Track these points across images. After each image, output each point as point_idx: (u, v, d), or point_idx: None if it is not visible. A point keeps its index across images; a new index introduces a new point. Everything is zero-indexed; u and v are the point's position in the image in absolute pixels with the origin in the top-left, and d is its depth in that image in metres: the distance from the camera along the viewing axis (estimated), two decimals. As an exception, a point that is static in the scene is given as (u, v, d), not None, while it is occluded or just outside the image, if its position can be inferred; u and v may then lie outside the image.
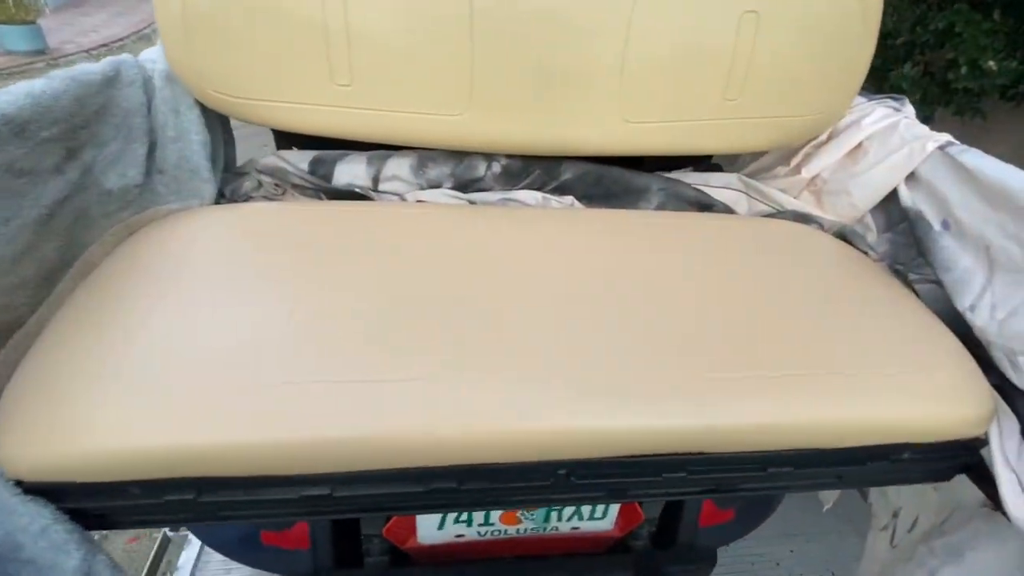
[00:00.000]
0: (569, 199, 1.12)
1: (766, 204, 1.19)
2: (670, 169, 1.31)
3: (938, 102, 2.36)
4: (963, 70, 2.15)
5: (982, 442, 0.81)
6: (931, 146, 0.98)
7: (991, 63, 2.09)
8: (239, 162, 1.11)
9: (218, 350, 0.69)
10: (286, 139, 1.14)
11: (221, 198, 1.05)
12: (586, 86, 0.97)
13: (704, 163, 1.42)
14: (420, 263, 0.87)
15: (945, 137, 0.98)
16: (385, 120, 0.95)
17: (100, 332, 0.71)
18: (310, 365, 0.69)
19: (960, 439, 0.79)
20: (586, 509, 0.97)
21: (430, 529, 0.96)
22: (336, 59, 0.89)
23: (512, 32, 0.92)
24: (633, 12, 0.93)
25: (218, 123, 1.01)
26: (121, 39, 6.10)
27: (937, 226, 0.97)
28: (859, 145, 1.08)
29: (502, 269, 0.88)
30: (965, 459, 0.83)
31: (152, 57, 0.93)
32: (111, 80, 0.85)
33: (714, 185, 1.20)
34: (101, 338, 0.70)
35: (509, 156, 1.07)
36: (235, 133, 1.11)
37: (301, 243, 0.88)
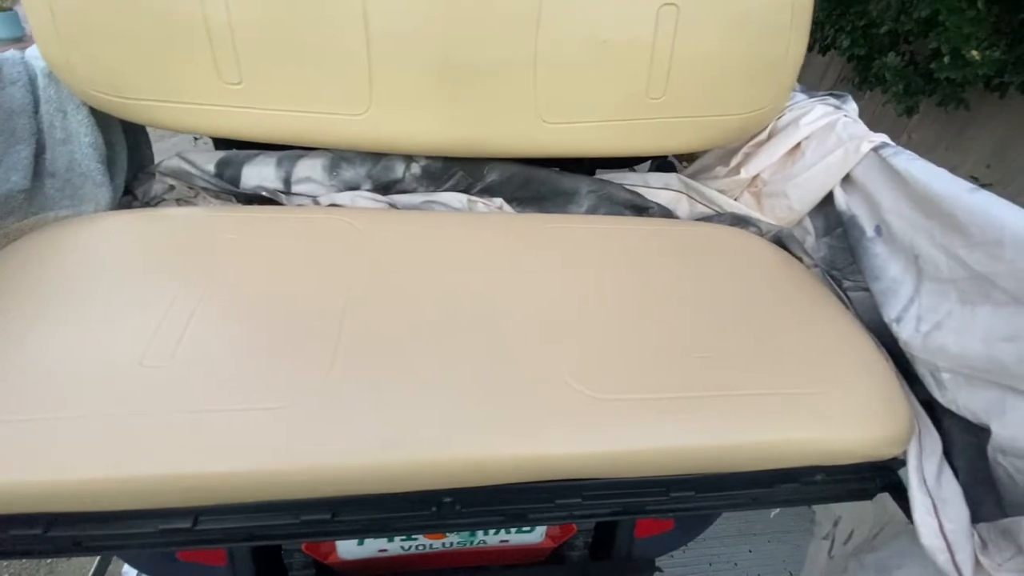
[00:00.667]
0: (498, 201, 1.08)
1: (706, 206, 1.14)
2: (620, 168, 1.27)
3: (922, 92, 2.29)
4: (945, 60, 2.08)
5: (900, 462, 0.77)
6: (865, 147, 0.93)
7: (974, 52, 2.02)
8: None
9: (79, 377, 0.66)
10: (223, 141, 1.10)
11: (134, 200, 1.02)
12: (497, 83, 0.92)
13: (660, 162, 1.38)
14: (306, 277, 0.83)
15: (881, 138, 0.93)
16: (283, 120, 0.91)
17: None
18: (175, 394, 0.66)
19: (876, 460, 0.76)
20: None
21: (350, 545, 0.93)
22: (222, 57, 0.84)
23: (410, 24, 0.87)
24: (542, 4, 0.87)
25: (118, 123, 0.97)
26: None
27: (870, 232, 0.92)
28: (797, 145, 1.03)
29: (400, 284, 0.84)
30: (886, 478, 0.79)
31: (36, 54, 0.88)
32: None
33: (653, 186, 1.16)
34: None
35: (429, 157, 1.03)
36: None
37: (188, 254, 0.84)
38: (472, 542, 0.98)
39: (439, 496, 0.68)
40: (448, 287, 0.84)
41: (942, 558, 0.69)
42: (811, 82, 3.04)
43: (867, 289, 0.93)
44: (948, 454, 0.78)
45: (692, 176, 1.19)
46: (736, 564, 1.64)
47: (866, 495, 0.81)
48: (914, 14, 2.21)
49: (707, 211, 1.14)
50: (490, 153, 1.00)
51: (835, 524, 1.07)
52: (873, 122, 3.07)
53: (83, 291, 0.76)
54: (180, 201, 1.02)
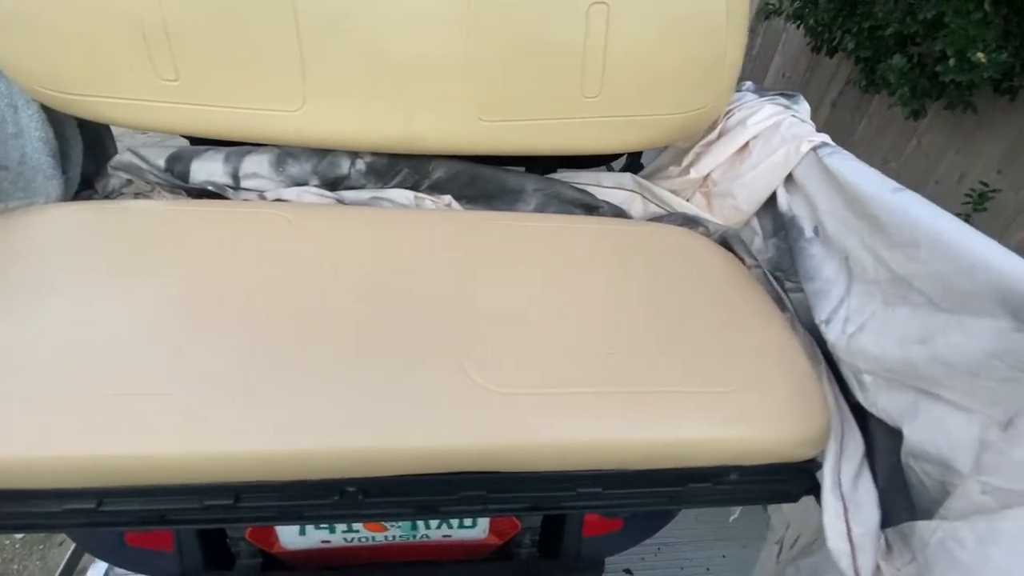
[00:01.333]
0: (447, 199, 1.09)
1: (658, 206, 1.13)
2: (584, 168, 1.26)
3: (928, 95, 2.22)
4: (951, 62, 2.01)
5: (818, 465, 0.75)
6: (805, 147, 0.91)
7: (980, 55, 1.95)
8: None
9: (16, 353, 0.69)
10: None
11: (94, 194, 1.07)
12: (429, 80, 0.94)
13: (632, 161, 1.37)
14: (231, 268, 0.85)
15: (821, 137, 0.91)
16: (220, 116, 0.93)
17: None
18: (84, 378, 0.68)
19: (792, 461, 0.74)
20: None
21: (291, 535, 0.95)
22: (157, 54, 0.87)
23: (340, 21, 0.89)
24: (470, 3, 0.88)
25: (73, 119, 1.01)
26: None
27: (809, 232, 0.90)
28: (745, 145, 1.02)
29: (321, 277, 0.85)
30: (809, 481, 0.77)
31: None
32: None
33: (606, 186, 1.15)
34: None
35: (375, 153, 1.05)
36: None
37: (122, 244, 0.87)
38: (415, 535, 0.99)
39: (341, 485, 0.69)
40: (370, 280, 0.85)
41: (844, 562, 0.67)
42: (820, 85, 2.97)
43: (806, 291, 0.91)
44: (871, 458, 0.75)
45: (648, 176, 1.18)
46: (708, 569, 1.61)
47: (789, 497, 0.80)
48: (920, 16, 2.14)
49: (660, 211, 1.13)
50: (429, 150, 1.01)
51: (786, 528, 1.05)
52: (883, 126, 2.96)
53: (17, 277, 0.79)
54: (138, 195, 1.07)
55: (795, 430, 0.73)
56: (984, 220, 2.09)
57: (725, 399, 0.74)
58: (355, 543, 1.00)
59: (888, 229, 0.73)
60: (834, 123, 2.87)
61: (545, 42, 0.92)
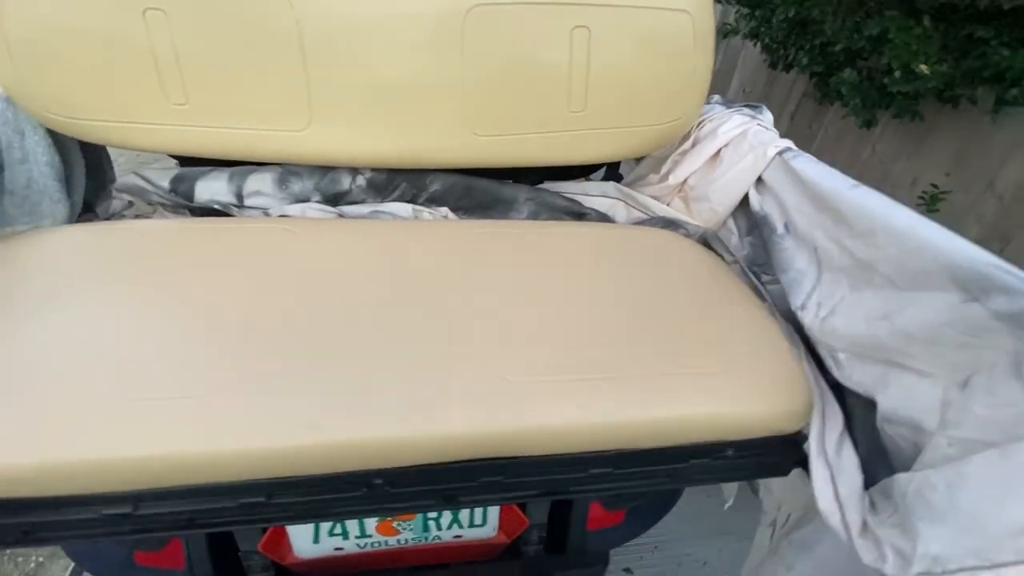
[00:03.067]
0: (444, 210, 1.15)
1: (641, 211, 1.21)
2: (566, 179, 1.34)
3: (878, 106, 2.38)
4: (896, 74, 2.17)
5: (804, 437, 0.81)
6: (771, 151, 1.00)
7: (923, 67, 2.11)
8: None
9: (28, 370, 0.70)
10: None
11: (95, 217, 1.09)
12: (427, 99, 1.00)
13: (611, 172, 1.46)
14: (247, 280, 0.88)
15: (785, 143, 1.00)
16: (227, 137, 0.98)
17: None
18: (113, 385, 0.70)
19: (781, 434, 0.80)
20: (464, 516, 0.98)
21: (305, 543, 0.96)
22: (168, 80, 0.92)
23: (342, 47, 0.95)
24: (464, 26, 0.95)
25: (75, 143, 1.04)
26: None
27: (780, 229, 0.98)
28: (717, 152, 1.11)
29: (335, 284, 0.89)
30: (797, 453, 0.83)
31: None
32: None
33: (591, 194, 1.23)
34: None
35: (374, 169, 1.10)
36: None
37: (150, 262, 0.90)
38: (427, 538, 1.01)
39: (369, 477, 0.72)
40: (381, 284, 0.89)
41: (834, 519, 0.73)
42: (779, 98, 3.14)
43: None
44: (850, 428, 0.82)
45: (629, 184, 1.27)
46: (705, 563, 1.65)
47: (780, 471, 0.85)
48: (866, 32, 2.31)
49: (642, 216, 1.21)
50: (429, 164, 1.07)
51: (779, 509, 1.11)
52: (839, 135, 3.12)
53: (40, 296, 0.81)
54: (139, 217, 1.10)
55: (783, 404, 0.79)
56: (937, 220, 2.22)
57: (718, 379, 0.80)
58: (368, 548, 1.02)
59: (849, 220, 0.81)
60: (794, 134, 3.01)
61: (533, 62, 0.99)
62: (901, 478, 0.67)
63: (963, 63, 2.09)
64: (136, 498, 0.67)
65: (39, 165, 0.95)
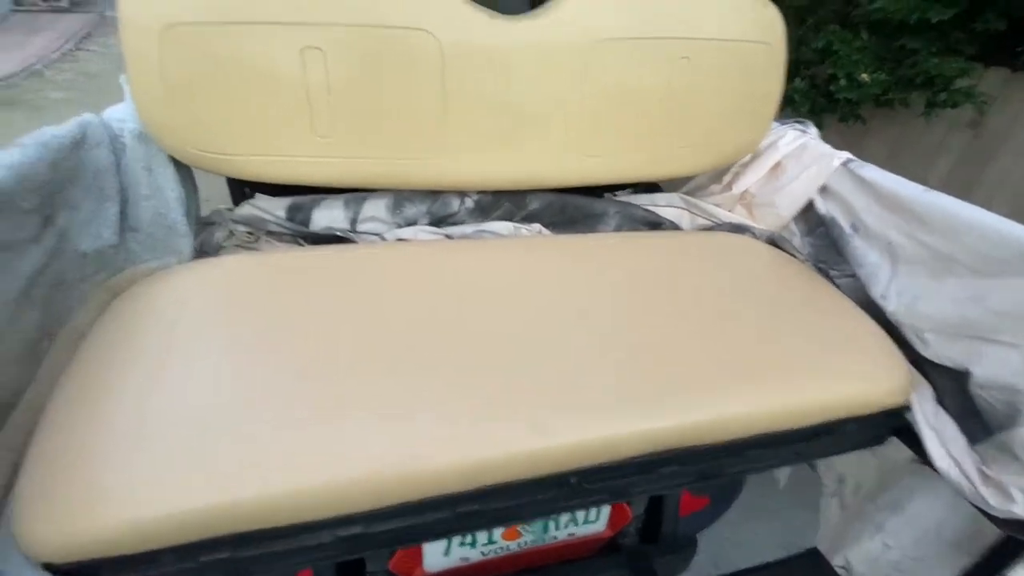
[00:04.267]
0: (536, 227, 1.21)
1: (705, 218, 1.34)
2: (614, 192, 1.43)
3: (825, 111, 2.68)
4: (842, 82, 2.47)
5: (907, 408, 0.95)
6: (836, 162, 1.16)
7: (864, 75, 2.42)
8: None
9: (213, 409, 0.70)
10: (240, 186, 1.14)
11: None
12: (547, 126, 1.07)
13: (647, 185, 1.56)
14: (406, 300, 0.91)
15: (846, 155, 1.17)
16: (363, 166, 0.99)
17: (106, 401, 0.70)
18: (308, 414, 0.71)
19: (889, 408, 0.94)
20: (581, 514, 1.03)
21: (436, 556, 0.98)
22: (318, 113, 0.92)
23: (479, 80, 1.00)
24: (589, 58, 1.03)
25: (189, 177, 1.01)
26: (12, 74, 5.55)
27: (848, 229, 1.14)
28: (778, 163, 1.25)
29: (482, 298, 0.93)
30: (894, 424, 0.97)
31: (120, 116, 0.92)
32: (79, 142, 0.84)
33: (660, 204, 1.34)
34: (108, 408, 0.69)
35: (480, 192, 1.14)
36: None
37: (289, 293, 0.90)
38: (544, 539, 1.07)
39: (567, 477, 0.77)
40: (533, 300, 0.94)
41: (953, 472, 0.87)
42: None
43: (851, 276, 1.15)
44: (938, 398, 0.98)
45: (689, 194, 1.39)
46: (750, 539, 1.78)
47: (879, 440, 1.00)
48: (811, 45, 2.61)
49: (706, 223, 1.34)
50: (537, 185, 1.13)
51: (840, 482, 1.25)
52: (786, 136, 3.33)
53: (211, 334, 0.80)
54: (240, 248, 1.06)
55: (891, 381, 0.93)
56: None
57: (835, 364, 0.92)
58: (491, 555, 1.06)
59: (925, 219, 0.98)
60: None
61: (641, 87, 1.09)
62: (1022, 432, 0.83)
63: (897, 71, 2.42)
64: (368, 519, 0.69)
65: (167, 200, 0.91)
